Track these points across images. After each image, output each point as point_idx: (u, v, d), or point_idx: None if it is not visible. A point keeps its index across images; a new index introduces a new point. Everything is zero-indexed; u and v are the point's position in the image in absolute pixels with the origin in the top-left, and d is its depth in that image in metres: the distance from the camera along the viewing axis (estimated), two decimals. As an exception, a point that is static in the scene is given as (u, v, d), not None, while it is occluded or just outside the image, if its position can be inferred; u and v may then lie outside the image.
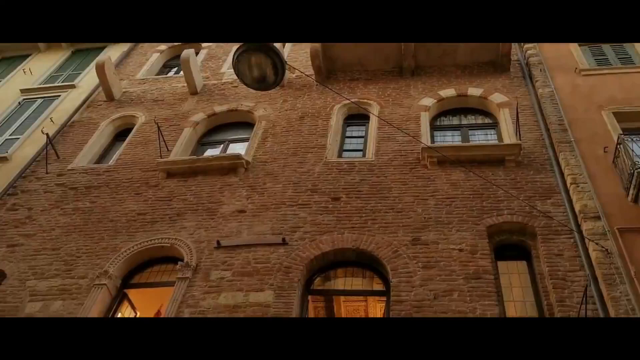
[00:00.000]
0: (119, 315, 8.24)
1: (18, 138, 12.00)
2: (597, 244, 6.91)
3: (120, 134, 11.93)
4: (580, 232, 7.32)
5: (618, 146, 7.93)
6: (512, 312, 7.07)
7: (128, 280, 8.44)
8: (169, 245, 8.50)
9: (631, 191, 7.31)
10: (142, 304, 8.80)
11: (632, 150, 7.74)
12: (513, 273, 7.57)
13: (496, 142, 9.69)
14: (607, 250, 6.80)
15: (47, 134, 11.08)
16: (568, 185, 8.11)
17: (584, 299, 6.24)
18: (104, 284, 7.97)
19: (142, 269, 8.57)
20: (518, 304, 7.20)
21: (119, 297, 8.23)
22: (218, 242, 8.32)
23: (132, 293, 8.49)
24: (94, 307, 7.68)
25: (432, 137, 10.09)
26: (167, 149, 10.60)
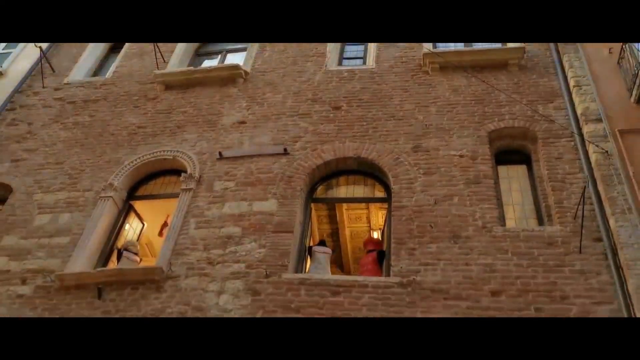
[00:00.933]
0: (127, 226, 8.43)
1: (11, 52, 11.75)
2: (597, 146, 6.93)
3: (115, 46, 11.65)
4: (581, 134, 7.32)
5: (623, 46, 7.75)
6: (510, 214, 7.21)
7: (133, 192, 8.57)
8: (171, 157, 8.55)
9: (634, 92, 7.24)
10: (148, 215, 9.00)
11: (638, 50, 7.56)
12: (513, 177, 7.65)
13: (499, 45, 9.47)
14: (607, 151, 6.83)
15: (40, 47, 10.83)
16: (571, 88, 8.01)
17: (582, 199, 6.34)
18: (110, 196, 8.10)
19: (146, 181, 8.68)
20: (517, 207, 7.33)
21: (126, 209, 8.40)
22: (220, 153, 8.36)
23: (138, 205, 8.65)
24: (101, 219, 7.85)
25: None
26: (164, 60, 10.41)
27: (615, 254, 6.05)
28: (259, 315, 6.36)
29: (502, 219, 6.97)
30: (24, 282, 7.28)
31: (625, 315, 5.56)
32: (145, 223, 8.96)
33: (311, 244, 8.01)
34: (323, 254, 7.59)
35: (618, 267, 5.93)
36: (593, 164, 6.88)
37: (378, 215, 10.45)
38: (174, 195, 8.13)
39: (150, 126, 9.16)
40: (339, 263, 11.38)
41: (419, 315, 6.08)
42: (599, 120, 7.27)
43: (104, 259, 7.75)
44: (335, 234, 11.05)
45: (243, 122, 8.85)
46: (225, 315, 6.42)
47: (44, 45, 11.26)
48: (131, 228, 8.65)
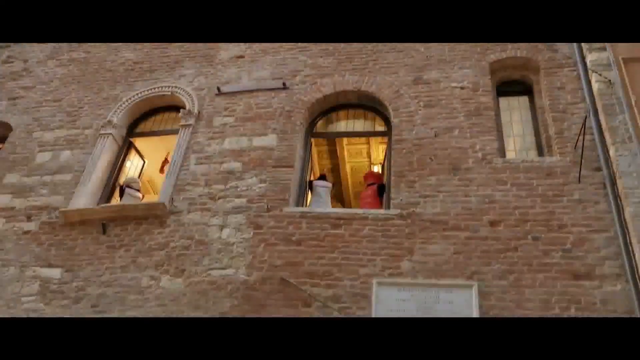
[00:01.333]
0: (128, 162, 8.45)
1: (1, -12, 11.43)
2: (600, 74, 6.82)
3: (108, -20, 11.32)
4: (584, 63, 7.19)
5: (631, -28, 7.49)
6: (511, 146, 7.21)
7: (133, 129, 8.55)
8: (169, 93, 8.46)
9: (641, 20, 7.06)
10: (149, 152, 9.01)
11: (646, -24, 7.32)
12: (514, 109, 7.60)
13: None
14: (609, 80, 6.73)
15: (30, -18, 10.52)
16: (576, 15, 7.81)
17: (582, 129, 6.31)
18: (110, 133, 8.08)
19: (145, 117, 8.64)
20: (517, 138, 7.32)
21: (126, 146, 8.40)
22: (218, 88, 8.27)
23: (138, 141, 8.64)
24: (102, 156, 7.87)
25: (436, -30, 9.53)
26: (158, -7, 10.12)
27: (614, 183, 6.08)
28: (261, 247, 6.48)
29: (502, 151, 6.98)
30: (29, 218, 7.39)
31: (621, 242, 5.65)
32: (145, 160, 8.98)
33: (312, 178, 8.05)
34: (323, 188, 7.65)
35: (616, 196, 5.97)
36: (595, 93, 6.79)
37: (378, 150, 10.44)
38: (174, 132, 8.11)
39: (147, 62, 9.02)
40: (339, 198, 11.48)
41: (418, 245, 6.19)
42: (603, 48, 7.12)
43: (107, 196, 7.83)
44: (335, 169, 11.09)
45: (241, 57, 8.70)
46: (228, 248, 6.55)
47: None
48: (132, 165, 8.68)
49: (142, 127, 8.61)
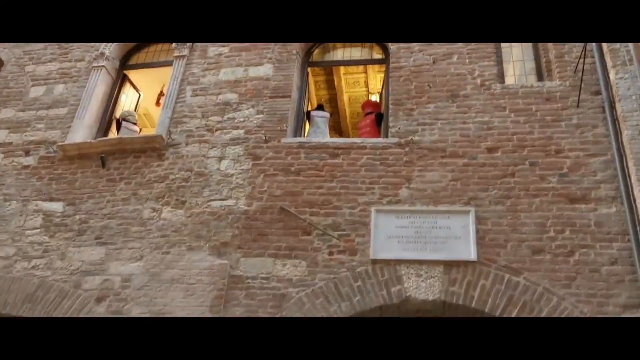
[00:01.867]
0: (123, 95, 8.36)
1: None
2: (603, -5, 6.66)
3: None
4: (587, -16, 7.00)
5: None
6: (510, 72, 7.11)
7: (126, 61, 8.39)
8: (161, 23, 8.26)
9: (647, -64, 6.80)
10: (144, 85, 8.89)
11: None
12: (514, 33, 7.44)
13: None
14: (612, 1, 6.58)
15: None
16: None
17: (583, 52, 6.21)
18: (103, 66, 7.95)
19: (138, 49, 8.45)
20: (517, 63, 7.21)
21: (120, 79, 8.27)
22: (212, 17, 8.06)
23: (132, 74, 8.50)
24: (96, 89, 7.77)
25: None
26: None
27: (612, 106, 6.05)
28: (260, 178, 6.52)
29: (501, 76, 6.89)
30: (27, 153, 7.39)
31: (617, 165, 5.68)
32: (141, 93, 8.88)
33: (309, 109, 8.00)
34: (321, 118, 7.62)
35: (614, 120, 5.96)
36: (597, 15, 6.64)
37: (376, 79, 10.31)
38: (168, 64, 7.97)
39: (137, -9, 8.74)
40: (337, 128, 11.45)
41: (416, 173, 6.23)
42: (607, -32, 6.90)
43: (104, 129, 7.79)
44: (333, 99, 10.99)
45: (234, -17, 8.43)
46: (228, 179, 6.59)
47: None
48: (127, 98, 8.58)
49: (136, 59, 8.44)
